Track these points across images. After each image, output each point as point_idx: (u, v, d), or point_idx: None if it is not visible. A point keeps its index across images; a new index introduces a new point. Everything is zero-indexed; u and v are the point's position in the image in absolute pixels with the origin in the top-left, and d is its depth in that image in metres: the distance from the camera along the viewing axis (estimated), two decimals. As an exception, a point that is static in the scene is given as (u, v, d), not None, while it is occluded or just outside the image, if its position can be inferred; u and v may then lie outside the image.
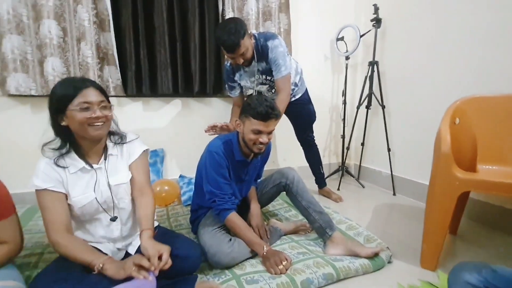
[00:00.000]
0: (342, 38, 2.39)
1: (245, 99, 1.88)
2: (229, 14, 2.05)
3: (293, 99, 1.87)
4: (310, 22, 2.44)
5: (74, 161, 0.95)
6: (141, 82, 2.02)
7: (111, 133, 1.05)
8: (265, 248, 1.18)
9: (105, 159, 1.01)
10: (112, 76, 1.95)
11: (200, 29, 2.08)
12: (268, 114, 1.16)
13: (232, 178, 1.31)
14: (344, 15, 2.49)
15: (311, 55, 2.48)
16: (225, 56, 1.87)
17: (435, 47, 1.88)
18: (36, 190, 0.90)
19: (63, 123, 0.91)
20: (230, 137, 1.31)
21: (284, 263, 1.13)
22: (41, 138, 0.95)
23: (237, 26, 1.49)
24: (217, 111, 2.27)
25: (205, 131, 1.61)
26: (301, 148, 2.11)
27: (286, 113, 1.91)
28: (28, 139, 1.81)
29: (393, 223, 1.73)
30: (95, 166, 0.99)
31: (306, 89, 1.96)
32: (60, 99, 0.89)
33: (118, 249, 1.06)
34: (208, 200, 1.25)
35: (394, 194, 2.21)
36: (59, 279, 0.85)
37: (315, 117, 2.02)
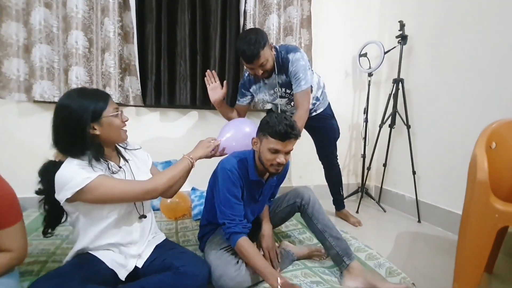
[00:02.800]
0: (365, 55, 2.32)
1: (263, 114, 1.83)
2: (250, 29, 2.06)
3: (314, 113, 1.80)
4: (332, 38, 2.40)
5: (99, 164, 0.95)
6: (160, 93, 2.04)
7: None
8: (279, 280, 1.05)
9: (125, 161, 1.07)
10: (133, 86, 1.98)
11: (220, 43, 2.09)
12: (287, 133, 1.09)
13: (246, 198, 1.23)
14: (367, 31, 2.44)
15: (332, 71, 2.42)
16: (244, 68, 1.85)
17: (467, 64, 1.76)
18: (89, 183, 0.86)
19: (96, 132, 0.93)
20: (246, 155, 1.25)
21: None
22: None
23: (258, 37, 1.46)
24: (233, 124, 2.24)
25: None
26: (319, 165, 2.01)
27: (307, 128, 1.82)
28: (50, 144, 1.86)
29: (419, 255, 1.57)
30: (121, 164, 1.03)
31: (329, 103, 1.88)
32: (96, 108, 0.92)
33: (131, 255, 1.03)
34: (219, 219, 1.18)
35: (419, 221, 2.04)
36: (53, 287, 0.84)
37: (339, 134, 1.92)
